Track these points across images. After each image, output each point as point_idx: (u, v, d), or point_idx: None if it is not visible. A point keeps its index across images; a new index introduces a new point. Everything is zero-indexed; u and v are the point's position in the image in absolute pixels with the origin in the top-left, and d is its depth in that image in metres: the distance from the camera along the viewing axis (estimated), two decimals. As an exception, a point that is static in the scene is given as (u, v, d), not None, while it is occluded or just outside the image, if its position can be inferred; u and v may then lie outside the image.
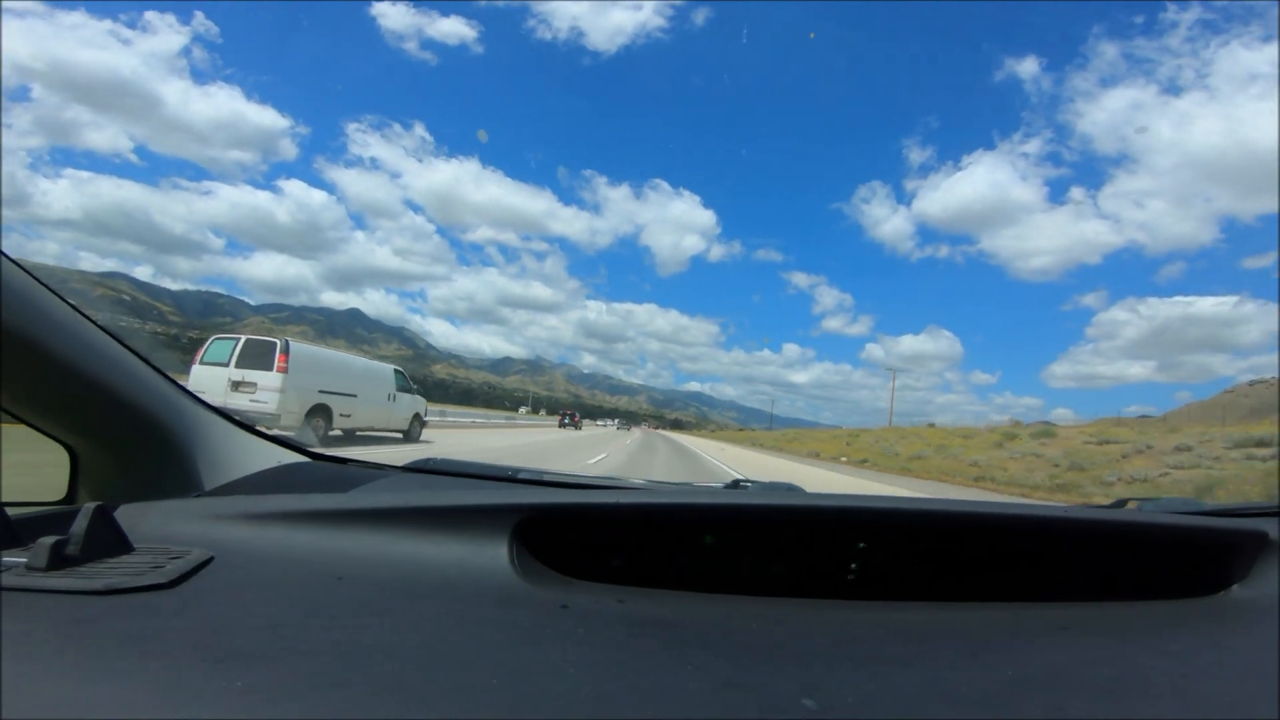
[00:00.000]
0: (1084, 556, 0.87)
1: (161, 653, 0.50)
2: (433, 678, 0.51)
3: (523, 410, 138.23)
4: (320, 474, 1.19)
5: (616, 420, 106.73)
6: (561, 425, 44.36)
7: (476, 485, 1.11)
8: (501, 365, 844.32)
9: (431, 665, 0.52)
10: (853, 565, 0.84)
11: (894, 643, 0.64)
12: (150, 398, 0.92)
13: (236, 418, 1.14)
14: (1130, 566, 0.87)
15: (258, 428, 1.19)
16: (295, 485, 1.07)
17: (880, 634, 0.66)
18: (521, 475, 1.16)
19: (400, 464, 1.29)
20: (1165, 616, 0.75)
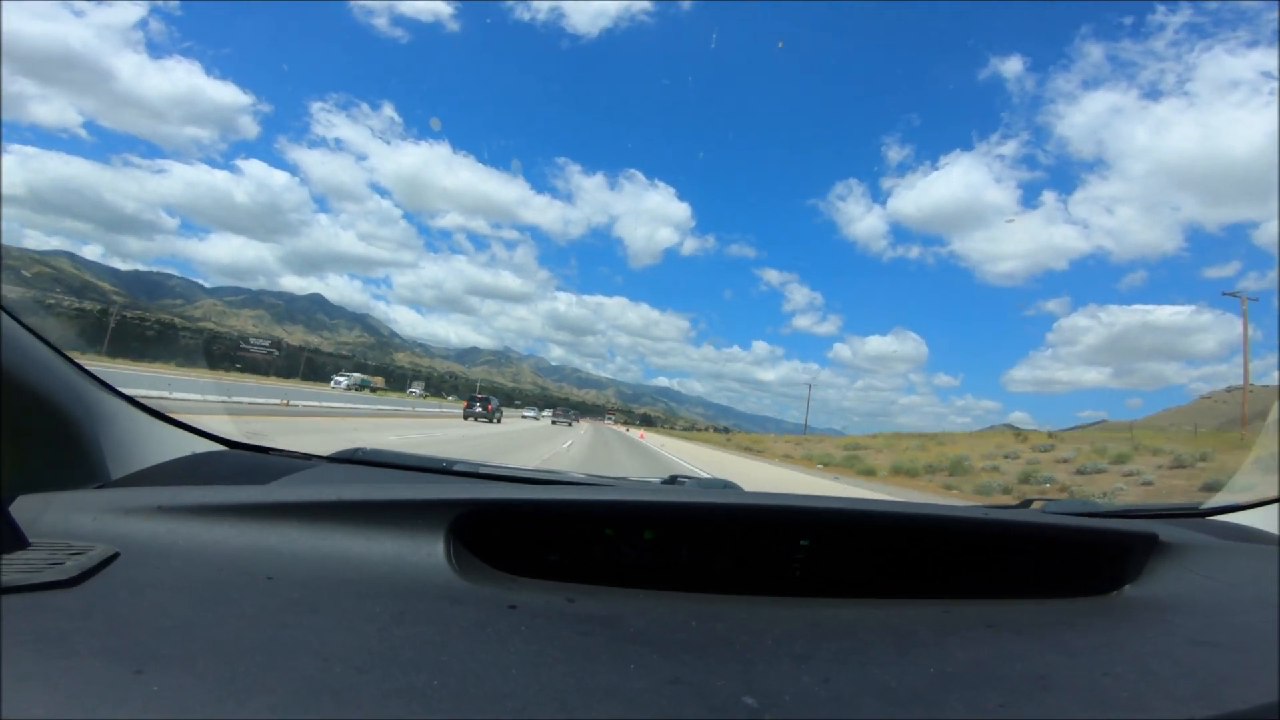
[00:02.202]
0: (996, 556, 0.93)
1: (65, 655, 0.47)
2: (368, 679, 0.49)
3: (352, 385, 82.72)
4: (239, 464, 1.14)
5: (553, 411, 66.06)
6: (470, 416, 30.51)
7: (409, 478, 1.07)
8: (468, 355, 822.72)
9: (366, 666, 0.51)
10: (789, 563, 0.87)
11: (829, 640, 0.66)
12: (47, 380, 0.86)
13: (146, 403, 1.08)
14: (1037, 566, 0.93)
15: (170, 414, 1.12)
16: (212, 476, 1.01)
17: (816, 631, 0.68)
18: (458, 467, 1.14)
19: (327, 454, 1.25)
20: (1065, 615, 0.79)
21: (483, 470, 1.12)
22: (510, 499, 0.81)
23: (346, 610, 0.60)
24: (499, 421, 32.51)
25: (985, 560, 0.93)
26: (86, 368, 0.97)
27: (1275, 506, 1.31)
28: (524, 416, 52.25)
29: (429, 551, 0.73)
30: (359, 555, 0.72)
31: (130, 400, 1.05)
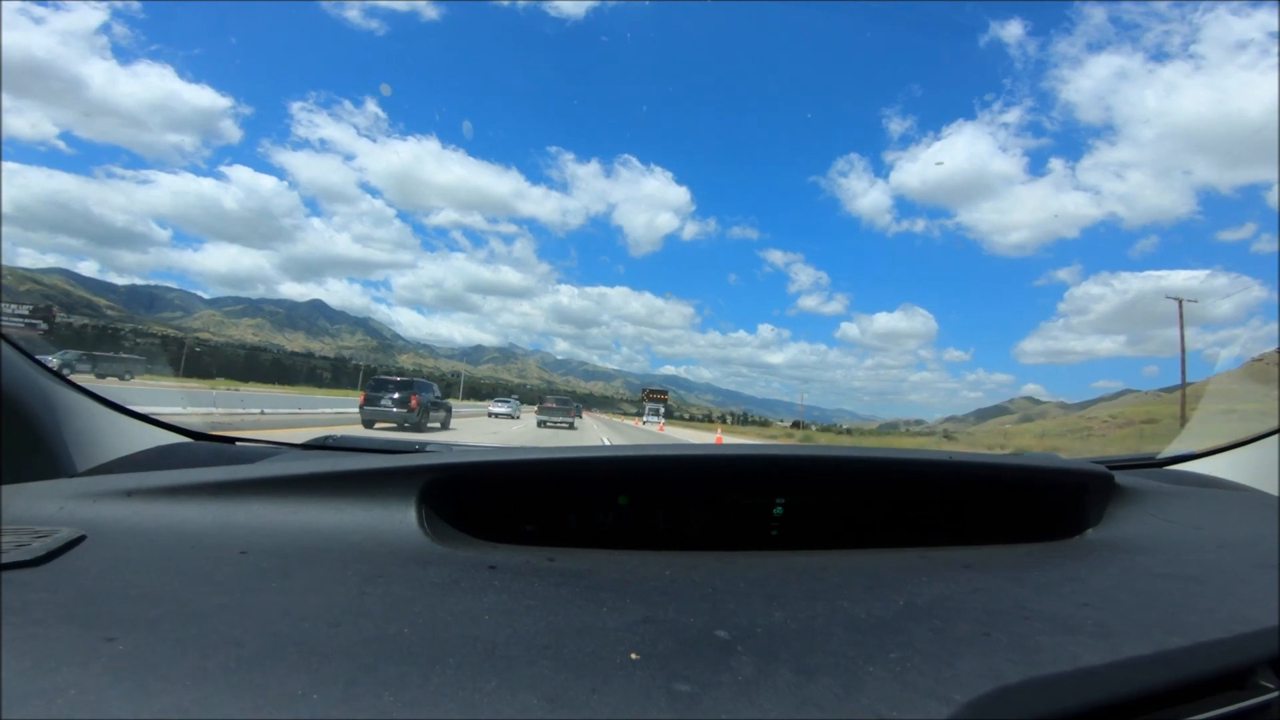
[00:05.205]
0: (963, 505, 0.99)
1: (30, 624, 0.48)
2: (338, 631, 0.50)
3: None
4: (205, 453, 1.15)
5: (540, 404, 41.13)
6: (377, 421, 16.65)
7: (380, 459, 1.13)
8: (474, 354, 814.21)
9: (337, 620, 0.52)
10: (763, 519, 0.90)
11: (801, 582, 0.70)
12: (6, 376, 0.89)
13: (109, 398, 1.10)
14: (1001, 513, 0.99)
15: (133, 408, 1.14)
16: (178, 465, 1.02)
17: (789, 576, 0.72)
18: (430, 448, 1.17)
19: (298, 442, 1.26)
20: (1033, 556, 0.86)
21: (456, 449, 1.15)
22: (476, 461, 0.83)
23: (319, 575, 0.62)
24: (445, 426, 19.41)
25: (953, 510, 0.98)
26: (49, 365, 0.98)
27: (1227, 454, 1.39)
28: (493, 414, 33.63)
29: (402, 519, 0.74)
30: (331, 526, 0.73)
31: (93, 396, 1.07)
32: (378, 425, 16.48)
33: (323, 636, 0.49)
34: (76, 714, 0.39)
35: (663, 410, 68.93)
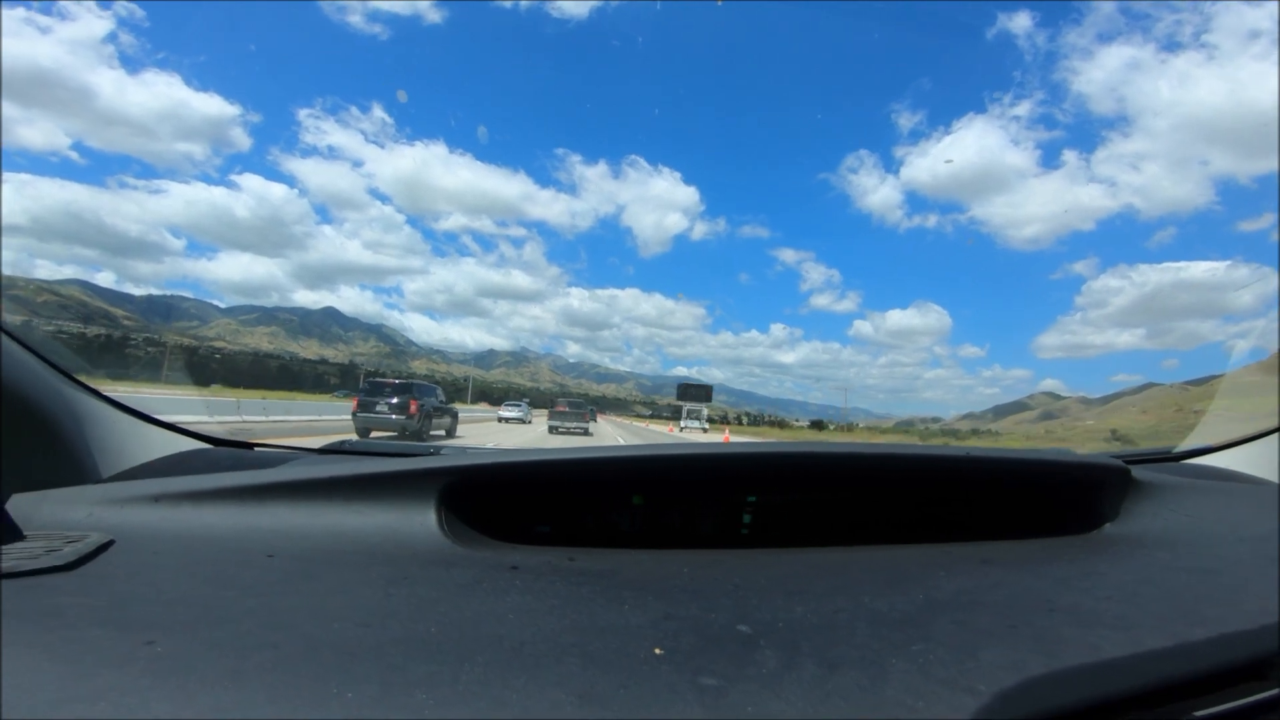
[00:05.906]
0: (980, 501, 1.00)
1: (65, 627, 0.49)
2: (369, 631, 0.51)
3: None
4: (224, 459, 1.17)
5: (551, 408, 30.65)
6: (372, 429, 14.65)
7: (397, 462, 1.13)
8: (486, 358, 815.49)
9: (367, 621, 0.53)
10: (778, 515, 0.91)
11: (821, 578, 0.71)
12: (31, 384, 0.90)
13: (130, 405, 1.12)
14: (1020, 509, 1.00)
15: (153, 415, 1.17)
16: (199, 471, 1.04)
17: (809, 572, 0.73)
18: (445, 451, 1.17)
19: (315, 447, 1.29)
20: (1052, 550, 0.86)
21: (471, 451, 1.15)
22: (493, 463, 0.85)
23: (345, 578, 0.63)
24: (450, 433, 17.29)
25: (971, 506, 0.99)
26: (72, 374, 1.00)
27: (1243, 447, 1.38)
28: (503, 418, 31.53)
29: (422, 521, 0.76)
30: (353, 529, 0.75)
31: (114, 403, 1.09)
32: (374, 434, 14.44)
33: (353, 637, 0.50)
34: (119, 715, 0.40)
35: (705, 413, 49.53)
